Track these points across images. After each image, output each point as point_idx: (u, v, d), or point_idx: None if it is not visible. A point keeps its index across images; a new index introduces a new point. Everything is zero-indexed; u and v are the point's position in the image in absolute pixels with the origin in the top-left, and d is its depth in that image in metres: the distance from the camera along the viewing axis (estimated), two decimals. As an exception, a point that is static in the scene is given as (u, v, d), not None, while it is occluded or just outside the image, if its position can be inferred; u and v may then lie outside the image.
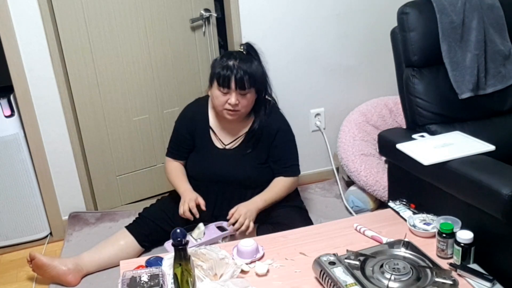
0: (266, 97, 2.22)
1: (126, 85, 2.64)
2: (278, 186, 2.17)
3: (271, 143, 2.18)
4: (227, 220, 2.13)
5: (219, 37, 2.84)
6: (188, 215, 2.07)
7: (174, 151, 2.29)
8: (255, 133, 2.16)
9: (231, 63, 2.03)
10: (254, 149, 2.17)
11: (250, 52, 2.12)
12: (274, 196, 2.15)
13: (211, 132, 2.21)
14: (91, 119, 2.61)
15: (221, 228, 2.11)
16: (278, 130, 2.18)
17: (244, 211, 2.03)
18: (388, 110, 2.80)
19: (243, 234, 2.10)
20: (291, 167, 2.21)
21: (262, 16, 2.62)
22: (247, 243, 1.67)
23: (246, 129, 2.18)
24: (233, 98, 2.03)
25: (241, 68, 2.02)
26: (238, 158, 2.17)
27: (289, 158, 2.21)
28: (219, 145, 2.20)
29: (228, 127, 2.19)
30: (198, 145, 2.24)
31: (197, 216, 2.07)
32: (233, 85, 2.01)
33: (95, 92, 2.58)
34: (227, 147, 2.20)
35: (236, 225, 2.01)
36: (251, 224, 2.02)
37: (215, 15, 2.73)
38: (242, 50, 2.13)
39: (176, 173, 2.26)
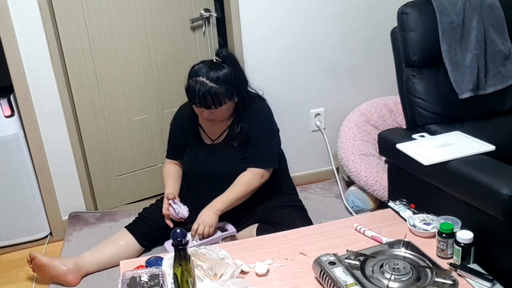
0: (252, 90, 2.21)
1: (126, 85, 2.64)
2: (238, 184, 2.12)
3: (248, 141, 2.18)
4: (230, 222, 2.14)
5: (219, 37, 2.84)
6: (166, 213, 2.17)
7: (170, 152, 2.35)
8: (236, 130, 2.16)
9: (198, 79, 2.01)
10: (239, 143, 2.17)
11: (225, 60, 2.07)
12: (233, 196, 2.11)
13: (200, 129, 2.25)
14: (91, 119, 2.61)
15: (221, 229, 2.11)
16: (253, 130, 2.15)
17: (202, 219, 2.05)
18: (388, 110, 2.80)
19: (243, 235, 2.12)
20: (257, 157, 2.14)
21: (262, 16, 2.62)
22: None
23: (229, 123, 2.19)
24: (205, 113, 2.07)
25: (204, 87, 1.98)
26: (224, 152, 2.19)
27: (258, 149, 2.15)
28: (207, 141, 2.24)
29: (213, 124, 2.19)
30: (190, 143, 2.27)
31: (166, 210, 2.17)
32: (198, 104, 2.03)
33: (95, 92, 2.58)
34: (215, 142, 2.22)
35: (197, 235, 2.05)
36: (211, 230, 2.05)
37: (215, 15, 2.73)
38: (215, 59, 2.08)
39: (164, 175, 2.32)
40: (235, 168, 2.16)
